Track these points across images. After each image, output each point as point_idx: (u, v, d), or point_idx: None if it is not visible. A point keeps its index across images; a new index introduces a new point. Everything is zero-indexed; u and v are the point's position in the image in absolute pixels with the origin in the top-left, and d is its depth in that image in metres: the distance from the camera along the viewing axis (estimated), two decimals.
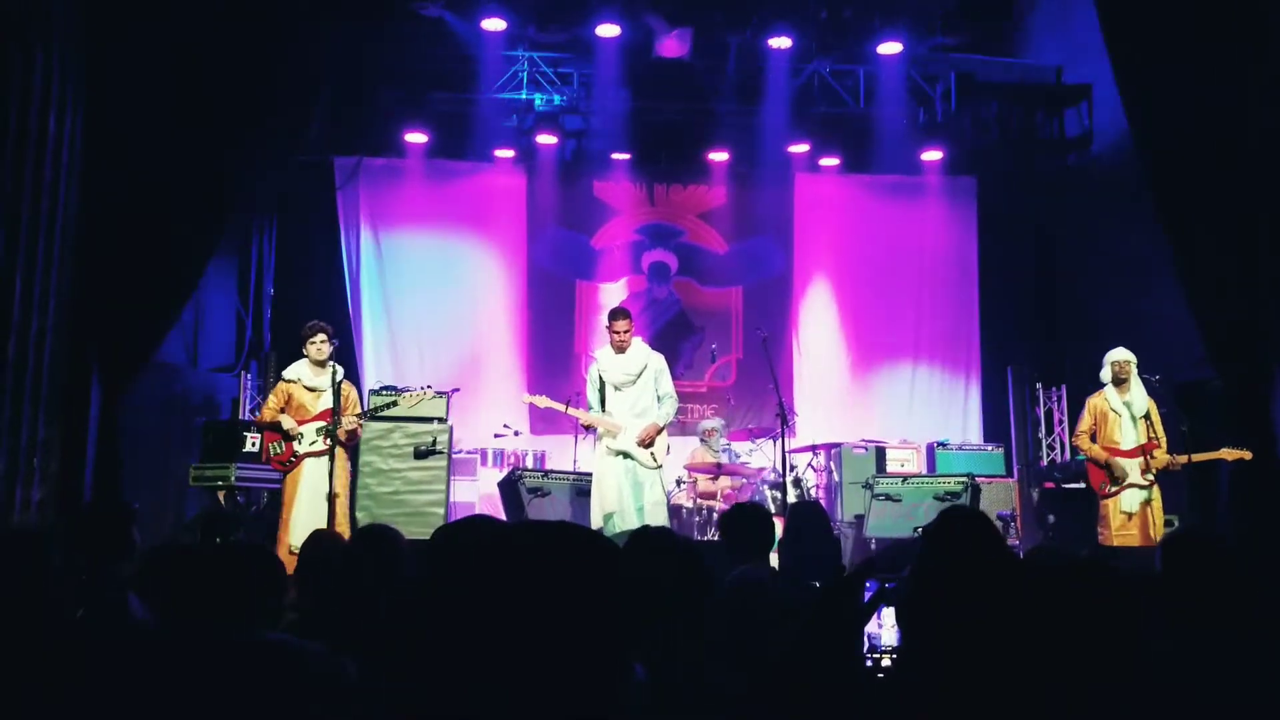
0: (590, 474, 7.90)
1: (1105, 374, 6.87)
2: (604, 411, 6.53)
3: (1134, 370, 6.76)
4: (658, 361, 6.64)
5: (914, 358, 10.37)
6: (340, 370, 6.32)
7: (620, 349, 6.55)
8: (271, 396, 6.41)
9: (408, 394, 6.82)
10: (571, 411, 6.68)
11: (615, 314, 6.67)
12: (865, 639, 3.28)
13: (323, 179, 9.66)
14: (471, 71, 9.01)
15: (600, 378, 6.59)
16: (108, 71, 7.35)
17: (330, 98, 8.75)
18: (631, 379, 6.53)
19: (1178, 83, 7.68)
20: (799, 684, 2.11)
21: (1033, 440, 9.56)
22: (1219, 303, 8.00)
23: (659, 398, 6.58)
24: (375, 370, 9.36)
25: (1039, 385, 9.65)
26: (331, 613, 2.99)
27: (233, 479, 7.37)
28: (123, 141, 7.53)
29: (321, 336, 6.26)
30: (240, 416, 8.70)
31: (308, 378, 6.27)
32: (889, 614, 3.45)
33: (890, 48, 9.06)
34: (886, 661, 3.30)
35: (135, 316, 7.80)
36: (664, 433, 6.58)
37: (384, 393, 7.25)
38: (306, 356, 6.28)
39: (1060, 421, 9.50)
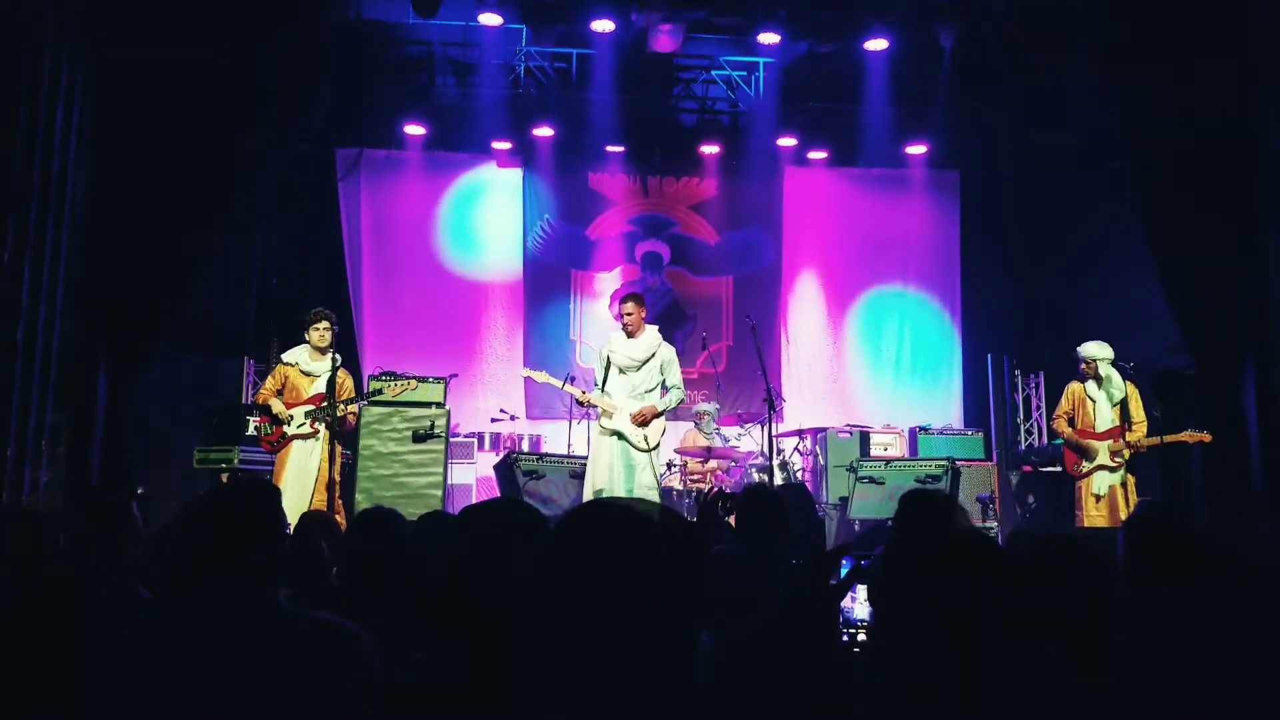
0: (584, 457, 7.95)
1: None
2: (603, 392, 6.55)
3: (1101, 366, 6.81)
4: (667, 352, 6.60)
5: (898, 345, 10.40)
6: (339, 358, 6.34)
7: (628, 332, 6.54)
8: (269, 378, 6.44)
9: (395, 383, 6.83)
10: (568, 388, 6.72)
11: (624, 297, 6.70)
12: (840, 614, 3.33)
13: (325, 170, 9.63)
14: (469, 65, 8.98)
15: (608, 358, 6.59)
16: (115, 64, 7.33)
17: (332, 90, 8.72)
18: (635, 364, 6.50)
19: (1155, 81, 7.69)
20: (774, 660, 2.13)
21: (1011, 425, 9.60)
22: (1194, 293, 8.04)
23: (666, 387, 6.56)
24: (376, 356, 9.35)
25: (1018, 372, 9.68)
26: (328, 592, 3.01)
27: (236, 461, 7.39)
28: (130, 133, 7.52)
29: (325, 324, 6.30)
30: (243, 401, 8.71)
31: (305, 362, 6.30)
32: (862, 590, 3.50)
33: (877, 44, 9.05)
34: (861, 637, 3.36)
35: (141, 304, 7.80)
36: (662, 420, 6.56)
37: (383, 378, 7.28)
38: (308, 341, 6.29)
39: (1038, 407, 9.56)
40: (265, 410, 6.27)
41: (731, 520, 3.87)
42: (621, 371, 6.52)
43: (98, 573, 2.75)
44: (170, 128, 7.70)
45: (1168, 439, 6.68)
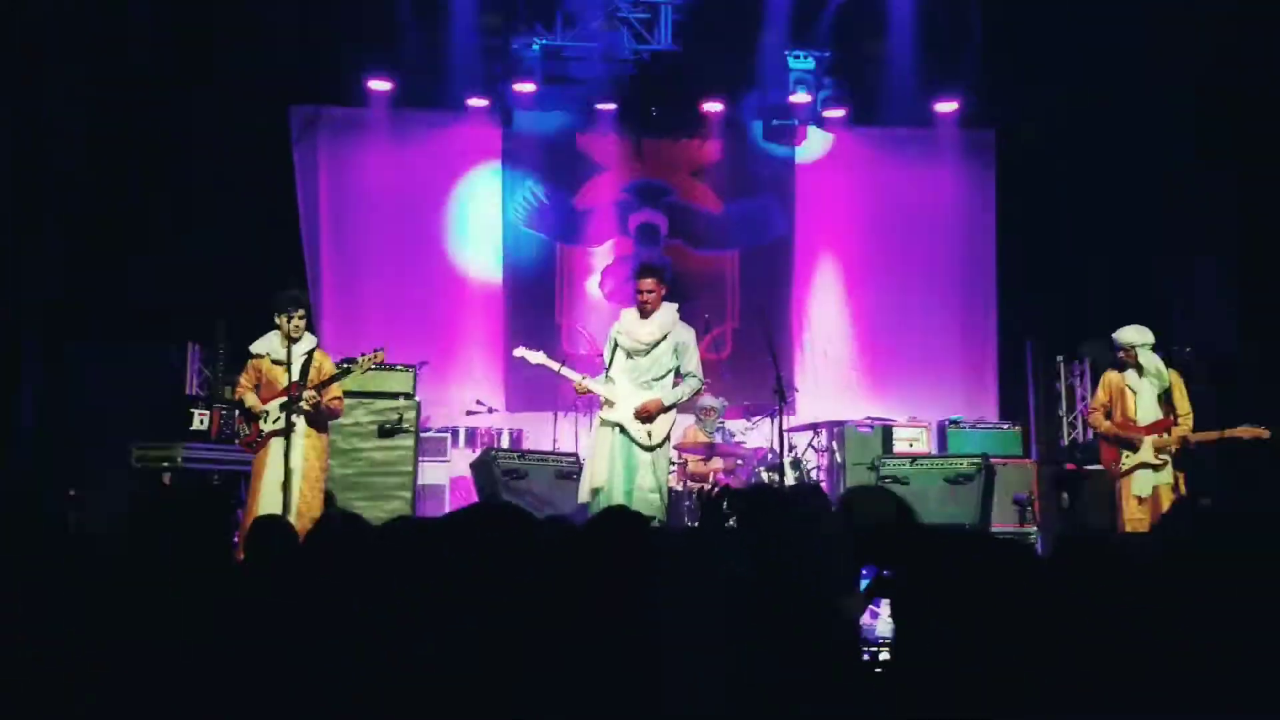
0: (573, 455, 7.94)
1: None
2: (608, 377, 6.46)
3: (1141, 353, 6.77)
4: (684, 334, 6.46)
5: (925, 329, 10.37)
6: (315, 339, 6.35)
7: (643, 311, 6.39)
8: (243, 375, 6.46)
9: (360, 361, 6.63)
10: (564, 372, 6.57)
11: (641, 270, 6.56)
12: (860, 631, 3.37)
13: (275, 132, 9.56)
14: (442, 15, 8.95)
15: (615, 340, 6.49)
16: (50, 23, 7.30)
17: (287, 43, 8.67)
18: (644, 348, 6.38)
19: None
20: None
21: (1053, 418, 9.61)
22: (1256, 277, 8.07)
23: (681, 375, 6.42)
24: (338, 343, 9.31)
25: (1060, 360, 9.68)
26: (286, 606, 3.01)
27: (180, 460, 7.38)
28: (61, 92, 7.50)
29: (301, 312, 6.26)
30: (188, 391, 8.69)
31: (276, 351, 6.27)
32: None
33: None
34: (884, 656, 3.39)
35: (73, 285, 7.79)
36: (671, 413, 6.42)
37: (343, 364, 7.24)
38: (278, 329, 6.27)
39: (1083, 398, 9.54)
40: (240, 406, 6.31)
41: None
42: (629, 355, 6.41)
43: (17, 586, 2.72)
44: (107, 84, 7.70)
45: (1227, 434, 6.66)
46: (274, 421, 6.14)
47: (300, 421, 6.11)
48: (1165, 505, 6.56)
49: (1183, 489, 6.72)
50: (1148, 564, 2.36)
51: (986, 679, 1.88)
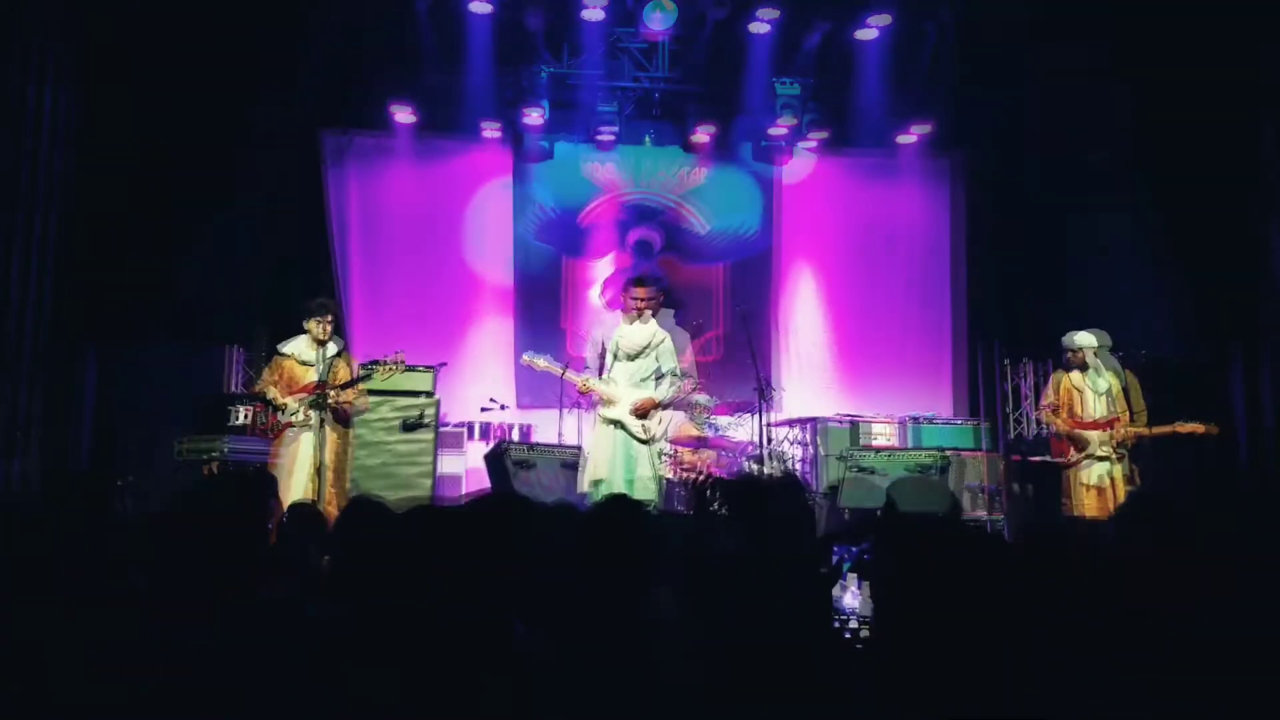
0: (576, 447, 8.03)
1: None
2: (604, 378, 6.56)
3: (1088, 355, 6.83)
4: (676, 339, 6.59)
5: (895, 335, 10.47)
6: (341, 343, 6.42)
7: (640, 318, 6.48)
8: (266, 370, 6.51)
9: (382, 366, 6.70)
10: (568, 375, 6.66)
11: (638, 281, 6.65)
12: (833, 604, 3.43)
13: (313, 153, 9.64)
14: (459, 49, 9.03)
15: (616, 344, 6.56)
16: (100, 45, 7.37)
17: (319, 72, 8.75)
18: (641, 351, 6.48)
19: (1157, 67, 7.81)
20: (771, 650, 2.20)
21: (1001, 414, 9.72)
22: (1192, 280, 8.17)
23: (673, 374, 6.54)
24: (365, 346, 9.39)
25: (1007, 361, 9.78)
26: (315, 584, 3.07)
27: (225, 451, 7.43)
28: (114, 114, 7.57)
29: (329, 318, 6.34)
30: (229, 390, 8.75)
31: (303, 352, 6.35)
32: (852, 579, 3.58)
33: (880, 19, 9.12)
34: (853, 625, 3.47)
35: (127, 290, 7.86)
36: (663, 409, 6.54)
37: (370, 366, 7.33)
38: (308, 333, 6.33)
39: (1026, 396, 9.66)
40: (262, 398, 6.35)
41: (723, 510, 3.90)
42: (630, 358, 6.51)
43: (74, 565, 2.76)
44: (157, 110, 7.77)
45: (1178, 429, 6.68)
46: (291, 414, 6.21)
47: (327, 418, 6.20)
48: (1121, 494, 6.58)
49: (1137, 480, 6.77)
50: (1103, 548, 2.40)
51: (961, 655, 1.88)
